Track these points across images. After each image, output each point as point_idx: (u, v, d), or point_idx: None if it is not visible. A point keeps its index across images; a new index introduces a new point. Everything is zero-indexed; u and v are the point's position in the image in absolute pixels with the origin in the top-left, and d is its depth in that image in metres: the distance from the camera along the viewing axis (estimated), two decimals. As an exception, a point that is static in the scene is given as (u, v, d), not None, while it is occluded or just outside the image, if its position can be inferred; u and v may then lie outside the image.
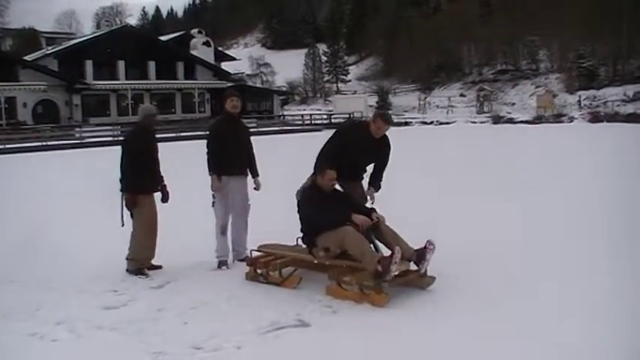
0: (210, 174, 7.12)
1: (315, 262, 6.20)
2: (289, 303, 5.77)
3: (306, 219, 6.17)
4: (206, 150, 7.15)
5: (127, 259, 7.00)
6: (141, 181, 6.87)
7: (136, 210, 6.93)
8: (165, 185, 7.26)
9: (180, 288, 6.39)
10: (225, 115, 7.29)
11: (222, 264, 7.14)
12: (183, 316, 5.53)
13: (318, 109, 66.29)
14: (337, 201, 6.16)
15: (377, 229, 6.05)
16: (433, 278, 6.04)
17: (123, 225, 7.00)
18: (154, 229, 7.09)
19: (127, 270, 6.94)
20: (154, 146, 7.14)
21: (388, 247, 6.04)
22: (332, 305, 5.67)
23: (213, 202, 7.14)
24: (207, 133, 7.37)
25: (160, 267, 7.12)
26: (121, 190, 6.96)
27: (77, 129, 41.83)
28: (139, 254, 6.98)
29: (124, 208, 6.98)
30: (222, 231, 7.16)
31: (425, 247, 5.89)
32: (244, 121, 7.78)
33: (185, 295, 6.10)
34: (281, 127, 48.18)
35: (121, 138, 36.58)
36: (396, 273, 5.64)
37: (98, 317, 5.56)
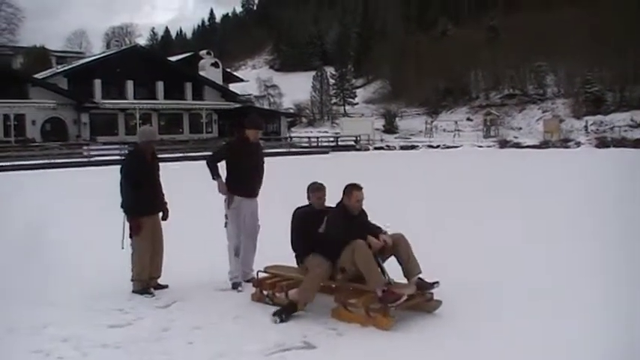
0: (214, 178, 7.09)
1: (321, 284, 6.19)
2: (295, 324, 5.76)
3: (330, 241, 6.14)
4: (210, 157, 7.17)
5: (131, 280, 7.01)
6: (140, 205, 6.91)
7: (134, 232, 6.95)
8: (165, 203, 7.28)
9: (186, 308, 6.39)
10: (244, 138, 7.22)
11: (236, 285, 7.06)
12: (188, 336, 5.52)
13: (325, 132, 66.48)
14: (361, 223, 6.18)
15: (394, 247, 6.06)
16: (439, 302, 6.03)
17: (123, 248, 7.02)
18: (156, 249, 7.10)
19: (133, 291, 6.95)
20: (151, 169, 7.15)
21: (399, 262, 6.06)
22: (337, 327, 5.66)
23: (226, 223, 7.10)
24: (222, 147, 7.33)
25: (166, 286, 7.12)
26: (125, 212, 7.00)
27: (85, 147, 42.05)
28: (141, 274, 6.98)
29: (126, 231, 7.01)
30: (236, 252, 7.09)
31: (431, 284, 5.92)
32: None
33: (191, 315, 6.10)
34: (288, 149, 48.35)
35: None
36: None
37: (103, 335, 5.55)
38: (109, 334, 5.59)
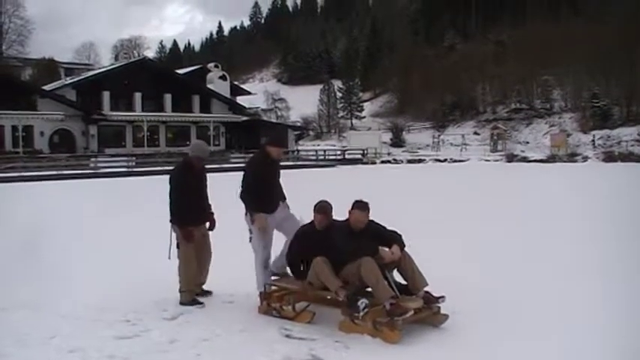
0: (250, 212, 6.75)
1: (329, 297, 6.20)
2: (302, 337, 5.77)
3: (333, 254, 6.16)
4: (243, 191, 6.79)
5: (179, 291, 7.03)
6: (189, 215, 7.00)
7: (182, 242, 7.01)
8: (212, 213, 7.35)
9: (194, 320, 6.40)
10: (265, 155, 6.94)
11: None
12: (195, 348, 5.52)
13: (332, 145, 66.50)
14: (366, 236, 6.18)
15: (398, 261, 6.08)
16: (446, 316, 6.02)
17: (170, 258, 7.05)
18: (204, 257, 7.21)
19: (181, 302, 6.96)
20: (199, 181, 7.22)
21: (404, 279, 6.10)
22: (345, 341, 5.65)
23: (250, 238, 6.87)
24: (249, 175, 6.86)
25: (210, 293, 7.24)
26: (171, 222, 7.07)
27: (92, 159, 42.19)
28: (189, 285, 7.04)
29: (173, 241, 7.08)
30: (266, 265, 6.84)
31: (437, 298, 5.97)
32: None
33: (198, 327, 6.10)
34: (295, 162, 48.41)
35: (135, 169, 37.04)
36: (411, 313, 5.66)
37: (111, 347, 5.57)
38: (116, 346, 5.60)
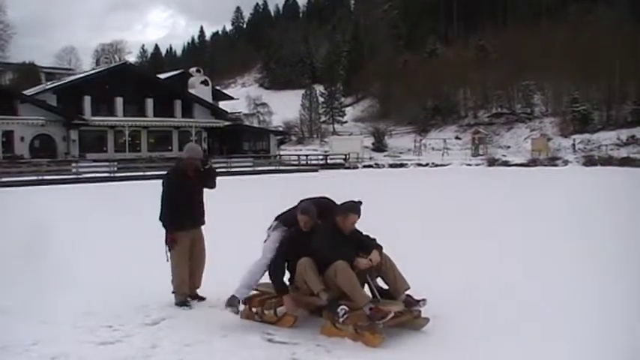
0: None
1: (310, 301, 6.22)
2: (284, 342, 5.79)
3: (317, 256, 6.16)
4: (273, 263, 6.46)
5: (172, 292, 7.16)
6: (178, 219, 7.06)
7: (171, 245, 7.12)
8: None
9: (176, 325, 6.40)
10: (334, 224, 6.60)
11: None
12: (177, 354, 5.53)
13: (314, 150, 66.56)
14: (348, 240, 6.21)
15: (378, 266, 6.11)
16: (427, 320, 6.08)
17: (168, 260, 7.14)
18: (196, 261, 7.27)
19: (175, 303, 7.10)
20: (193, 185, 7.26)
21: (386, 283, 6.14)
22: (326, 344, 5.69)
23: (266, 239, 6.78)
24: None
25: (203, 298, 7.27)
26: (162, 226, 7.15)
27: (74, 164, 41.92)
28: (179, 288, 7.14)
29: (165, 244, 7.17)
30: (252, 275, 6.61)
31: (418, 301, 6.02)
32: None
33: (180, 332, 6.11)
34: (277, 167, 48.44)
35: (117, 174, 36.79)
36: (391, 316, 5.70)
37: (93, 353, 5.56)
38: (98, 352, 5.60)
